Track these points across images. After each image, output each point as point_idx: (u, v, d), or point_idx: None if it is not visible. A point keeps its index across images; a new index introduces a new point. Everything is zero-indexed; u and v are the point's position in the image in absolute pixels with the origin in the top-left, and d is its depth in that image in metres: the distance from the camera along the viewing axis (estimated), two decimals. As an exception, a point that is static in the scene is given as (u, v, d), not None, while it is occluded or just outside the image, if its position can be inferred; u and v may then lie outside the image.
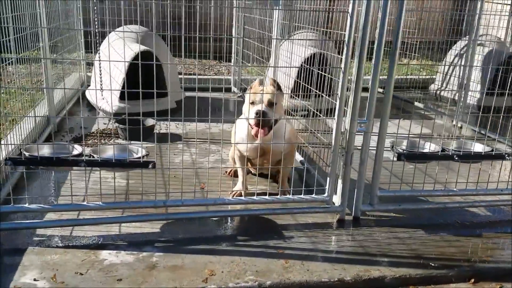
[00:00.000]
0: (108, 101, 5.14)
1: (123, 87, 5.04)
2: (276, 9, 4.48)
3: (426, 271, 2.54)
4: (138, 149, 2.79)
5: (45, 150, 2.66)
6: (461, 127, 5.59)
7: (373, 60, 2.73)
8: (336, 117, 2.84)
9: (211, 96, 2.88)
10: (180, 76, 6.80)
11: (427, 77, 7.42)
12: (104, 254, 2.50)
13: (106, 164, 2.55)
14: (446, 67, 6.75)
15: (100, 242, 2.62)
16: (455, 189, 3.19)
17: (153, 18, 2.48)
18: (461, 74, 5.82)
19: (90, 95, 5.66)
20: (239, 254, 2.58)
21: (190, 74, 7.81)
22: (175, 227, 2.85)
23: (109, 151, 2.80)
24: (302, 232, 2.89)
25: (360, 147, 2.92)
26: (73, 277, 2.29)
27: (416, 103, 6.40)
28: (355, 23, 2.67)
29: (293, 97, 5.06)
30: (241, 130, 3.17)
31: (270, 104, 3.00)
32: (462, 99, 5.66)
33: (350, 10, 2.65)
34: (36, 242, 2.58)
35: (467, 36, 5.71)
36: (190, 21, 8.50)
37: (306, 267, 2.50)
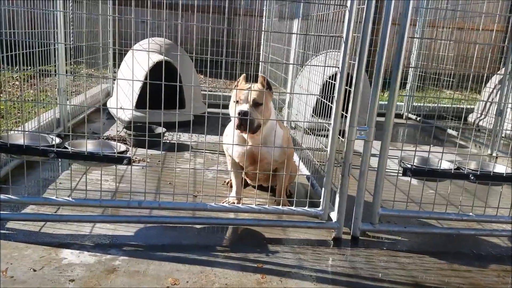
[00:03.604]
0: (125, 110, 5.10)
1: (139, 96, 5.02)
2: None
3: (422, 300, 2.19)
4: (120, 146, 2.63)
5: (26, 140, 2.54)
6: (497, 157, 5.13)
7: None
8: (332, 121, 2.58)
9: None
10: (204, 92, 6.73)
11: (464, 106, 6.96)
12: (66, 253, 2.32)
13: (77, 156, 2.40)
14: (486, 97, 6.30)
15: (66, 241, 2.44)
16: (471, 214, 2.81)
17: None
18: (497, 101, 5.39)
19: (110, 104, 5.68)
20: (211, 265, 2.33)
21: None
22: (151, 232, 2.64)
23: (91, 146, 2.65)
24: (289, 247, 2.60)
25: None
26: (25, 272, 2.12)
27: (451, 132, 5.99)
28: (355, 21, 2.44)
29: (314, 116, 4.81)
30: (230, 134, 2.95)
31: (256, 104, 2.74)
32: (497, 128, 5.23)
33: (349, 5, 2.42)
34: (2, 235, 2.44)
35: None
36: (218, 37, 8.53)
37: (284, 284, 2.21)
